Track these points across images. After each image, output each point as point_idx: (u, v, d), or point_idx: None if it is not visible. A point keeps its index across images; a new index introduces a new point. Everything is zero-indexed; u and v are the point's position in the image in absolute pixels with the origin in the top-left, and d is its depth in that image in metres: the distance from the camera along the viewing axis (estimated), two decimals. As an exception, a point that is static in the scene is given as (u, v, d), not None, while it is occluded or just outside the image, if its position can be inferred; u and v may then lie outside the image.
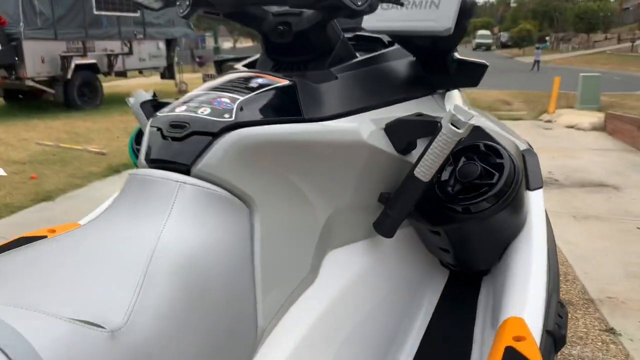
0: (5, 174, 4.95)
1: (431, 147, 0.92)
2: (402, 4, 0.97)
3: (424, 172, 0.94)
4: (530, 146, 1.36)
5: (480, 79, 1.20)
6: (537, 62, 25.45)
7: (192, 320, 0.66)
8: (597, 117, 8.10)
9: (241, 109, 0.84)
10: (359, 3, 0.88)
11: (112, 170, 5.25)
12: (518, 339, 0.82)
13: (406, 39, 1.17)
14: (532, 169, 1.20)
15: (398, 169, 1.04)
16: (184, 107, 0.88)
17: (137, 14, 10.53)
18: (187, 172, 0.80)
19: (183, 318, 0.65)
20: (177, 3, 1.03)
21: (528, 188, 1.15)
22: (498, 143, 1.08)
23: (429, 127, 0.95)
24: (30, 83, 8.97)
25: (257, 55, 1.22)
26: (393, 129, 1.01)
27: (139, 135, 1.38)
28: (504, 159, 1.03)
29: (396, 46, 1.23)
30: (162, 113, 0.89)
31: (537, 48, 26.99)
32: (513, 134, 1.38)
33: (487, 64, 1.19)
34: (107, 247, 0.69)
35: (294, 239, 0.90)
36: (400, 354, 1.12)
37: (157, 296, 0.63)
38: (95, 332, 0.55)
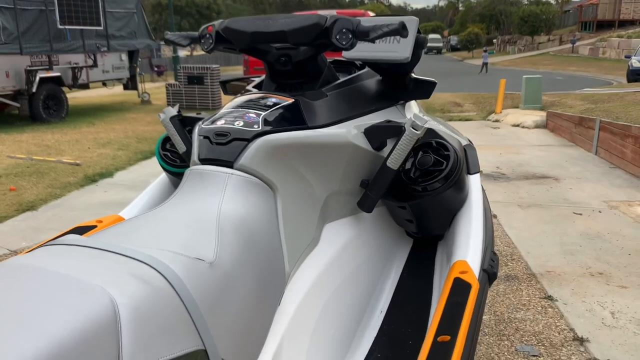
0: (-17, 186, 5.08)
1: (398, 144, 1.29)
2: (373, 41, 1.34)
3: (394, 163, 1.31)
4: (471, 142, 1.76)
5: (431, 92, 1.59)
6: (485, 64, 26.47)
7: (249, 260, 1.01)
8: (539, 116, 8.70)
9: (265, 121, 1.20)
10: (344, 43, 1.24)
11: (88, 180, 5.41)
12: (462, 272, 1.21)
13: (375, 64, 1.54)
14: (471, 159, 1.59)
15: (374, 161, 1.41)
16: (223, 121, 1.22)
17: (101, 28, 10.60)
18: (230, 166, 1.15)
19: (244, 258, 1.00)
20: (202, 41, 1.37)
21: (469, 172, 1.54)
22: (445, 140, 1.47)
23: (396, 130, 1.33)
24: (-5, 97, 9.00)
25: (262, 78, 1.57)
26: (370, 132, 1.37)
27: (164, 142, 1.71)
28: (449, 152, 1.42)
29: (366, 68, 1.60)
30: (206, 126, 1.23)
31: (485, 51, 28.03)
32: (457, 132, 1.77)
33: (436, 81, 1.58)
34: (191, 214, 1.03)
35: (303, 213, 1.25)
36: (379, 301, 1.49)
37: (228, 243, 0.98)
38: (202, 263, 0.89)
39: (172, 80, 15.91)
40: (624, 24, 40.51)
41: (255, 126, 1.18)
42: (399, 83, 1.57)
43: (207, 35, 1.34)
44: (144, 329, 0.71)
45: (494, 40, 51.71)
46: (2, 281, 0.71)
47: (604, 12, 41.63)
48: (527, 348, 2.37)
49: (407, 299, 1.48)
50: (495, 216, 4.18)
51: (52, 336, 0.61)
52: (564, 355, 2.31)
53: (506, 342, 2.42)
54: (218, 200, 1.07)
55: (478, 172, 1.56)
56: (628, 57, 19.12)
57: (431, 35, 61.21)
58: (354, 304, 1.41)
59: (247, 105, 1.27)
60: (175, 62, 15.31)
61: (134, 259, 0.81)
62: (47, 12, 9.54)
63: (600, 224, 3.97)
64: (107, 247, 0.83)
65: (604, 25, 41.33)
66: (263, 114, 1.22)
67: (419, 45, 1.44)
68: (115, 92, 14.42)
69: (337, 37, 1.21)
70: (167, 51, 33.24)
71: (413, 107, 1.69)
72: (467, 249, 1.30)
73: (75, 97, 14.33)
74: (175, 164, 1.66)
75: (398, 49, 1.42)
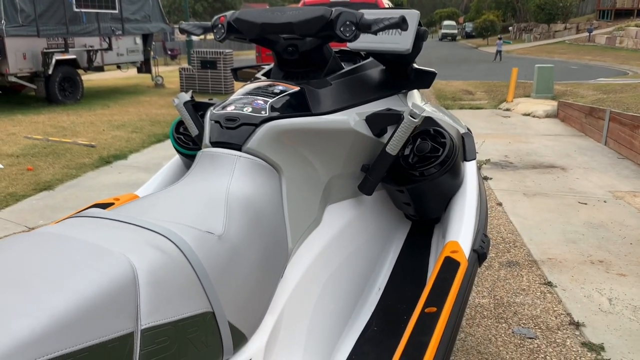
0: (2, 166, 5.22)
1: (397, 131, 1.37)
2: (375, 33, 1.41)
3: (393, 148, 1.39)
4: (469, 130, 1.83)
5: (432, 82, 1.66)
6: (499, 52, 26.26)
7: (254, 235, 1.10)
8: (550, 106, 8.68)
9: (272, 107, 1.28)
10: (347, 35, 1.32)
11: (103, 161, 5.54)
12: (453, 252, 1.29)
13: (379, 55, 1.62)
14: (468, 146, 1.67)
15: (374, 147, 1.49)
16: (233, 107, 1.31)
17: (116, 11, 10.70)
18: (239, 149, 1.23)
19: (250, 233, 1.09)
20: (214, 30, 1.46)
21: (465, 159, 1.62)
22: (443, 128, 1.55)
23: (395, 118, 1.41)
24: (12, 79, 9.12)
25: (270, 66, 1.65)
26: (371, 119, 1.45)
27: (178, 125, 1.80)
28: (446, 139, 1.50)
29: (370, 59, 1.68)
30: (217, 111, 1.32)
31: (499, 39, 27.78)
32: (457, 121, 1.85)
33: (436, 72, 1.65)
34: (202, 192, 1.12)
35: (306, 194, 1.34)
36: (377, 279, 1.58)
37: (236, 219, 1.07)
38: (212, 236, 0.99)
39: (185, 64, 16.00)
40: (643, 12, 39.85)
41: (263, 112, 1.27)
42: (401, 73, 1.65)
43: (219, 25, 1.42)
44: (159, 291, 0.80)
45: (510, 28, 51.14)
46: (33, 247, 0.80)
47: (623, 0, 40.97)
48: (524, 330, 2.46)
49: (404, 278, 1.56)
50: (500, 204, 4.25)
51: (78, 294, 0.71)
52: (559, 338, 2.39)
53: (504, 325, 2.50)
54: (227, 180, 1.16)
55: (474, 159, 1.64)
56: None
57: (446, 22, 60.67)
58: (353, 281, 1.50)
59: (256, 92, 1.36)
60: (188, 46, 15.37)
61: (151, 230, 0.90)
62: (64, -5, 9.66)
63: (604, 213, 4.02)
64: (126, 219, 0.93)
65: (623, 14, 40.67)
66: (270, 100, 1.30)
67: (420, 38, 1.52)
68: (130, 75, 14.54)
69: (341, 29, 1.28)
70: (180, 35, 33.28)
71: (414, 96, 1.77)
72: (459, 231, 1.38)
73: (90, 79, 14.49)
74: (188, 146, 1.75)
75: (400, 41, 1.50)
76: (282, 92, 1.34)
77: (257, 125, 1.24)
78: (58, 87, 9.90)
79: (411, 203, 1.56)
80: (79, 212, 1.08)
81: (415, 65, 1.66)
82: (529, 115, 8.68)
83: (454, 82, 13.75)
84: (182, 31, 1.57)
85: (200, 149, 1.68)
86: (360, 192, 1.49)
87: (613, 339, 2.38)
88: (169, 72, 16.45)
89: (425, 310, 1.11)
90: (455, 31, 59.00)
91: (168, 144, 6.52)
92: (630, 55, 25.14)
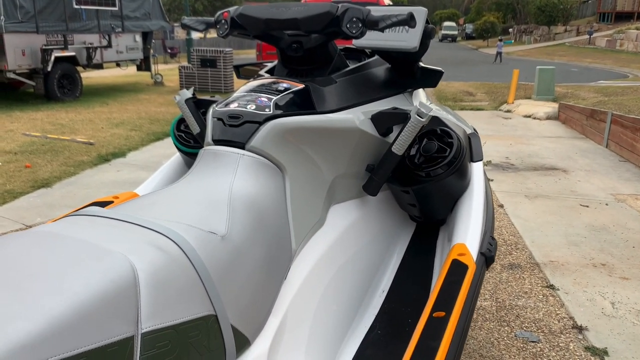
0: (0, 163, 5.19)
1: (403, 131, 1.34)
2: (382, 30, 1.38)
3: (399, 148, 1.36)
4: (476, 130, 1.80)
5: (438, 81, 1.63)
6: (499, 53, 26.25)
7: (258, 235, 1.07)
8: (551, 107, 8.66)
9: (276, 105, 1.25)
10: (354, 31, 1.29)
11: (101, 159, 5.50)
12: (461, 254, 1.26)
13: (385, 53, 1.59)
14: (475, 147, 1.64)
15: (380, 146, 1.46)
16: (236, 104, 1.28)
17: (116, 8, 10.66)
18: (242, 147, 1.20)
19: (253, 234, 1.06)
20: (217, 26, 1.42)
21: (472, 160, 1.59)
22: (450, 128, 1.52)
23: (401, 117, 1.38)
24: (11, 75, 9.08)
25: (274, 63, 1.62)
26: (376, 118, 1.42)
27: (179, 123, 1.77)
28: (453, 139, 1.47)
29: (376, 57, 1.65)
30: (220, 108, 1.29)
31: (500, 40, 27.77)
32: (463, 121, 1.82)
33: (443, 71, 1.62)
34: (205, 191, 1.09)
35: (310, 194, 1.31)
36: (381, 281, 1.55)
37: (239, 219, 1.04)
38: (215, 236, 0.96)
39: (185, 62, 15.96)
40: (644, 15, 39.85)
41: (267, 110, 1.24)
42: (407, 71, 1.62)
43: (223, 21, 1.39)
44: (160, 293, 0.77)
45: (510, 30, 51.12)
46: (30, 246, 0.77)
47: (624, 3, 40.96)
48: (527, 334, 2.43)
49: (408, 280, 1.53)
50: (502, 206, 4.22)
51: (76, 296, 0.68)
52: (562, 342, 2.36)
53: (506, 328, 2.47)
54: (230, 179, 1.13)
55: (481, 160, 1.61)
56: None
57: (446, 23, 60.63)
58: (357, 282, 1.47)
59: (260, 89, 1.32)
60: (188, 45, 15.32)
61: (152, 229, 0.87)
62: (63, -9, 9.62)
63: (606, 216, 4.00)
64: (126, 218, 0.90)
65: (623, 17, 40.67)
66: (274, 98, 1.27)
67: (427, 35, 1.48)
68: (129, 72, 14.50)
69: (348, 25, 1.25)
70: (180, 33, 33.29)
71: (420, 95, 1.74)
72: (466, 233, 1.35)
73: (89, 77, 14.44)
74: (189, 144, 1.72)
75: (407, 38, 1.47)
76: (286, 89, 1.31)
77: (260, 123, 1.21)
78: (57, 84, 9.86)
79: (417, 204, 1.53)
80: (78, 210, 1.04)
81: (422, 64, 1.63)
82: (529, 117, 8.66)
83: (454, 83, 13.74)
84: (184, 27, 1.53)
85: (201, 146, 1.65)
86: (365, 192, 1.46)
87: (616, 343, 2.35)
88: (168, 71, 16.42)
89: (434, 315, 1.08)
90: (456, 32, 58.99)
91: (167, 142, 6.49)
92: (630, 58, 25.14)
